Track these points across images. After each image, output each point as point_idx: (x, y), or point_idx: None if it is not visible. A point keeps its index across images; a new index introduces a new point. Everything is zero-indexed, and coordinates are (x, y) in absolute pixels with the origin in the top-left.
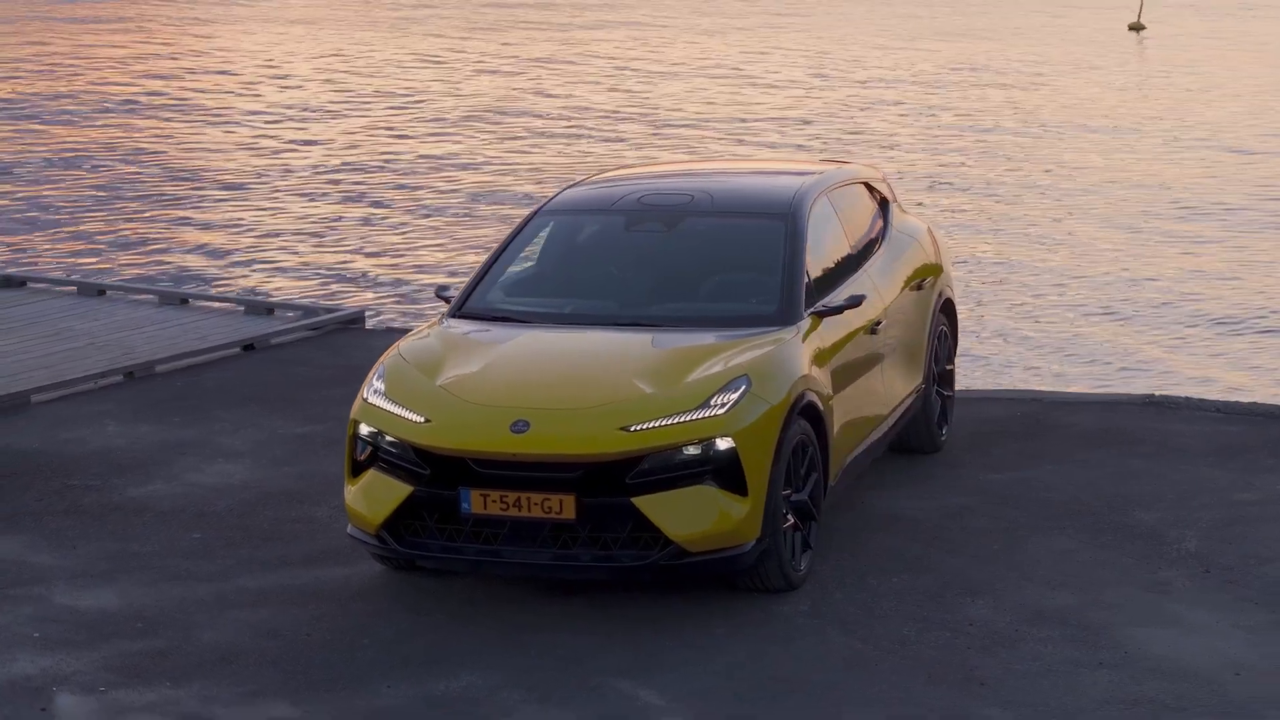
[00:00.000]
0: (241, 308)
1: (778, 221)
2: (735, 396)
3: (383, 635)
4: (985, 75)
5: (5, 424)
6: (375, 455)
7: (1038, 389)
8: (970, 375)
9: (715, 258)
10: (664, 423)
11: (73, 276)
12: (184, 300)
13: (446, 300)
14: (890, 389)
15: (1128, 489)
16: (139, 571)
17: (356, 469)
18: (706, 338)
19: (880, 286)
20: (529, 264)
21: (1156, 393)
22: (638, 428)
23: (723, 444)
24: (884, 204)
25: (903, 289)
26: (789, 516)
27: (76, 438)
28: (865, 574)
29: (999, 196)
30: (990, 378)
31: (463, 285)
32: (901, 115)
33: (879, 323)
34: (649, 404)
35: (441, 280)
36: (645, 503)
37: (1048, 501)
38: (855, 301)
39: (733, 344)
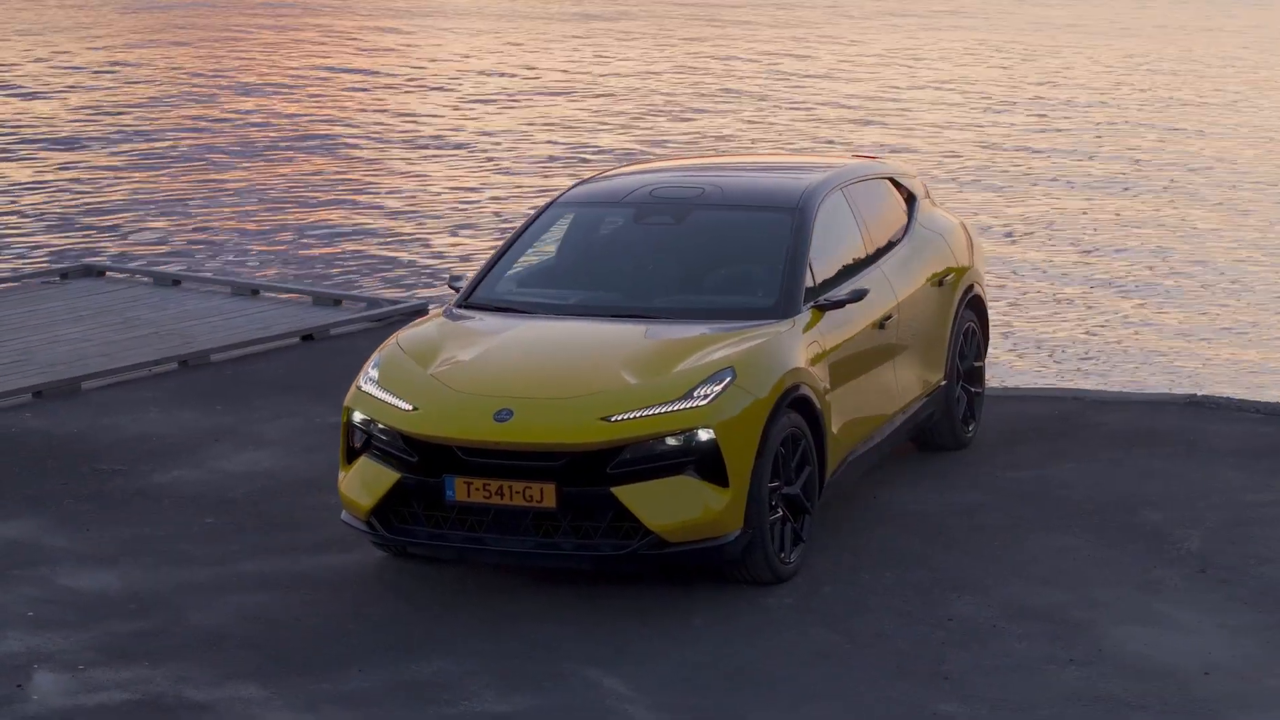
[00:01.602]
0: (310, 299)
1: (785, 215)
2: (719, 388)
3: (369, 621)
4: (1147, 79)
5: (52, 410)
6: (369, 442)
7: (1083, 388)
8: (1021, 373)
9: (720, 251)
10: (645, 413)
11: (150, 267)
12: (255, 291)
13: (457, 290)
14: (903, 385)
15: (1144, 488)
16: (145, 555)
17: (351, 456)
18: (700, 330)
19: (894, 282)
20: (539, 256)
21: (1201, 393)
22: (619, 418)
23: (704, 435)
24: (910, 200)
25: (922, 285)
26: (778, 509)
27: (116, 424)
28: (860, 568)
29: (1098, 196)
30: (1039, 376)
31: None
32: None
33: (889, 318)
34: (631, 394)
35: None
36: (625, 492)
37: (1061, 500)
38: (858, 295)
39: (724, 336)
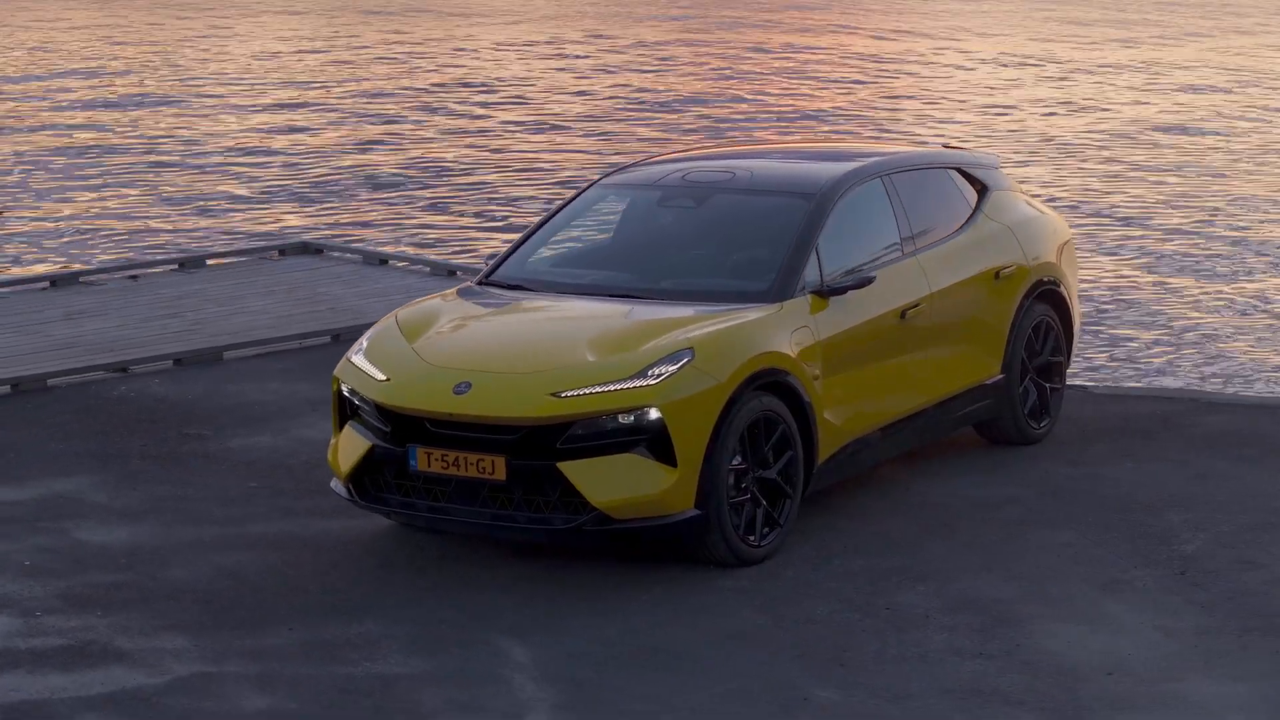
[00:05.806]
0: None
1: (803, 200)
2: (673, 368)
3: (328, 582)
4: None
5: (183, 376)
6: (355, 412)
7: (1201, 390)
8: (1156, 373)
9: (734, 235)
10: (595, 390)
11: (365, 246)
12: (451, 272)
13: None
14: (937, 376)
15: (1187, 490)
16: (170, 514)
17: (343, 425)
18: (685, 311)
19: (930, 273)
20: (567, 237)
21: None
22: (569, 394)
23: (653, 414)
24: (983, 191)
25: (972, 277)
26: (748, 491)
27: (234, 391)
28: (835, 554)
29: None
30: (1176, 377)
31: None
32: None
33: (915, 308)
34: (586, 371)
35: None
36: (570, 468)
37: (1094, 498)
38: (862, 282)
39: (703, 318)
